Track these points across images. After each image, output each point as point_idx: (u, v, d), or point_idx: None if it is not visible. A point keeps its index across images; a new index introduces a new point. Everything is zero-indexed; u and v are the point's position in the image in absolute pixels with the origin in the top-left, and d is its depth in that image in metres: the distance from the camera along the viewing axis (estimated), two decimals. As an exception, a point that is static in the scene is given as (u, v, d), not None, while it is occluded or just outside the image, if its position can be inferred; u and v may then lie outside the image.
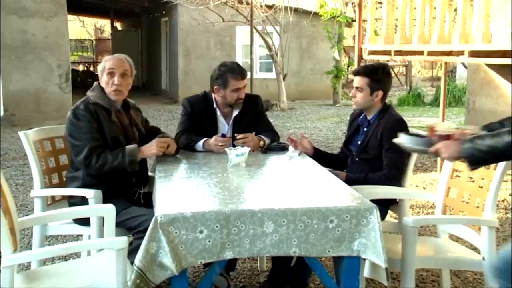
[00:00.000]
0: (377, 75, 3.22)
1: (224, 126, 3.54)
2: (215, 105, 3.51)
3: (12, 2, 9.92)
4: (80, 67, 24.07)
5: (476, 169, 2.25)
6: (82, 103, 2.99)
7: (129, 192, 3.09)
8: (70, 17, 20.37)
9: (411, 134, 2.46)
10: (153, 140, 3.08)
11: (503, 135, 2.05)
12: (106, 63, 3.08)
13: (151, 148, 3.04)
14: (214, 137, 3.34)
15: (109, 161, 2.90)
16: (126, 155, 2.91)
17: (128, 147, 2.96)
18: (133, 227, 2.74)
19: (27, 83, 10.19)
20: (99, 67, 3.11)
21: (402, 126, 3.08)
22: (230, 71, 3.39)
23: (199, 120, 3.50)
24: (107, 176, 2.96)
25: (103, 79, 3.05)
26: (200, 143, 3.37)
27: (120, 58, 3.11)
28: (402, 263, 2.56)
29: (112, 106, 3.05)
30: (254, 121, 3.57)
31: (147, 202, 3.01)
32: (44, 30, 10.31)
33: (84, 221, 2.91)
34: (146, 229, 2.58)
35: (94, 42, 32.86)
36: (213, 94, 3.52)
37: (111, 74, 3.03)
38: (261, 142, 3.42)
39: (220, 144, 3.28)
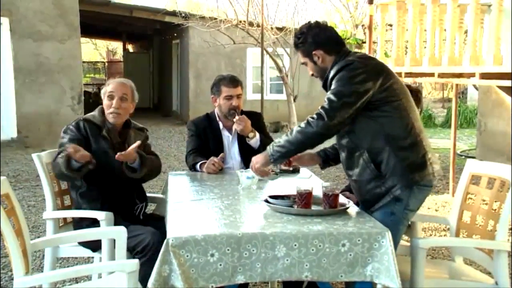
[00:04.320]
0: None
1: (228, 138, 3.66)
2: (217, 119, 3.66)
3: (27, 26, 10.10)
4: (92, 88, 24.31)
5: (277, 163, 2.76)
6: (75, 121, 3.11)
7: (130, 209, 3.12)
8: (83, 39, 20.70)
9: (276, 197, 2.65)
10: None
11: (294, 130, 2.57)
12: (108, 86, 3.18)
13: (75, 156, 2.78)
14: (210, 159, 3.44)
15: (58, 161, 2.84)
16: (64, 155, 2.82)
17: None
18: (131, 248, 2.74)
19: (40, 105, 10.31)
20: (102, 90, 3.20)
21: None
22: (223, 79, 3.61)
23: (205, 137, 3.64)
24: (104, 194, 3.02)
25: (104, 102, 3.15)
26: (197, 165, 3.50)
27: (122, 82, 3.20)
28: (410, 284, 2.54)
29: (104, 124, 3.12)
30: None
31: (148, 221, 3.05)
32: (57, 53, 10.46)
33: (90, 245, 2.95)
34: (144, 248, 2.65)
35: (106, 64, 33.25)
36: (215, 109, 3.69)
37: (111, 97, 3.12)
38: (251, 134, 3.54)
39: (213, 164, 3.39)
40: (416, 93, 3.33)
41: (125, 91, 3.14)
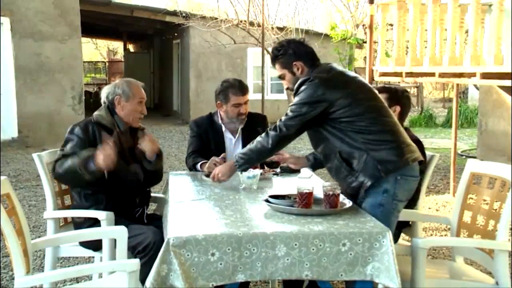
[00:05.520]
0: (396, 94, 3.31)
1: (231, 140, 3.64)
2: (220, 121, 3.63)
3: (28, 26, 10.11)
4: (93, 88, 24.34)
5: (241, 169, 2.91)
6: (83, 121, 3.09)
7: (132, 212, 3.11)
8: (84, 39, 20.70)
9: (277, 197, 2.68)
10: (106, 150, 2.81)
11: (256, 139, 2.81)
12: (134, 90, 3.13)
13: (99, 158, 2.79)
14: (212, 158, 3.39)
15: (68, 161, 2.85)
16: (81, 155, 2.82)
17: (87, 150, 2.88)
18: (132, 247, 2.74)
19: (41, 105, 10.32)
20: (120, 90, 3.12)
21: None
22: (231, 87, 3.56)
23: (206, 138, 3.63)
24: (107, 195, 3.00)
25: (128, 104, 3.10)
26: (198, 165, 3.49)
27: (141, 86, 3.21)
28: (411, 284, 2.54)
29: (115, 127, 3.09)
30: None
31: (150, 222, 3.05)
32: (58, 53, 10.47)
33: (91, 245, 2.95)
34: (146, 247, 2.66)
35: (107, 64, 33.24)
36: (218, 111, 3.66)
37: (141, 103, 3.15)
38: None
39: (214, 164, 3.32)
40: (402, 92, 3.37)
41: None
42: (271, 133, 2.76)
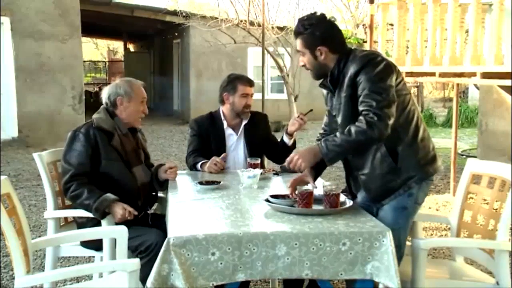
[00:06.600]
0: None
1: (232, 136, 3.64)
2: (222, 117, 3.64)
3: (29, 26, 10.12)
4: (93, 88, 24.36)
5: (332, 163, 2.52)
6: (84, 126, 3.03)
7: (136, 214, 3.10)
8: (84, 39, 20.70)
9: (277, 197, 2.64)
10: (124, 206, 2.87)
11: (352, 130, 2.41)
12: (136, 90, 3.14)
13: (117, 212, 2.85)
14: (212, 158, 3.42)
15: (83, 197, 2.85)
16: (97, 201, 2.82)
17: (107, 195, 2.86)
18: (134, 247, 2.74)
19: (41, 105, 10.32)
20: (122, 90, 3.11)
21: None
22: (239, 78, 3.65)
23: (207, 137, 3.62)
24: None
25: (131, 105, 3.10)
26: (198, 165, 3.50)
27: (142, 86, 3.21)
28: (411, 284, 2.54)
29: (116, 129, 3.07)
30: (266, 136, 3.75)
31: (155, 223, 3.04)
32: (59, 53, 10.47)
33: (93, 245, 2.95)
34: (147, 248, 2.66)
35: (107, 63, 33.26)
36: (220, 109, 3.67)
37: (143, 103, 3.17)
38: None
39: (215, 164, 3.38)
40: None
41: None
42: (379, 123, 2.38)
